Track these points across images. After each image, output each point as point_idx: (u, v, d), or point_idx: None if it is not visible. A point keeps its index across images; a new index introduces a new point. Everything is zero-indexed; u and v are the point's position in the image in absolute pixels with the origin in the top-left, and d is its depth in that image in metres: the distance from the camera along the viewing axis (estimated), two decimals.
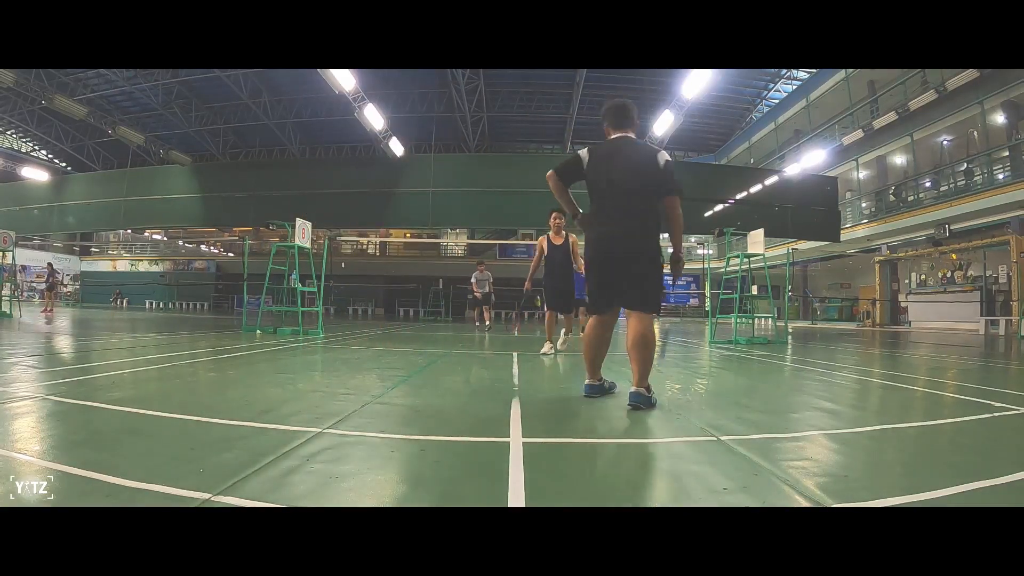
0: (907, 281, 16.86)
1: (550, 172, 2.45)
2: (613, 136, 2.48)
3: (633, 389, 2.24)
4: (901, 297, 16.75)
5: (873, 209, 17.03)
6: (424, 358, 4.31)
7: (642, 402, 2.22)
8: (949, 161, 14.67)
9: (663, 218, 2.41)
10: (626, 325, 2.39)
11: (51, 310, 12.46)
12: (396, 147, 15.32)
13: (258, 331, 7.13)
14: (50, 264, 14.71)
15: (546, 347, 4.79)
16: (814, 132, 18.18)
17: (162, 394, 2.40)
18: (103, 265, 30.52)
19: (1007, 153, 12.68)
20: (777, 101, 21.18)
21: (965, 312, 13.20)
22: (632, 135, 2.48)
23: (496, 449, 1.57)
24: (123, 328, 7.84)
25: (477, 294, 10.51)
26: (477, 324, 10.78)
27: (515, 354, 4.75)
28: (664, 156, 2.39)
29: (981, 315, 12.69)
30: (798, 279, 22.19)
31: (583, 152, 2.44)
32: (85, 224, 19.38)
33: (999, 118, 13.05)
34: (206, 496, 1.11)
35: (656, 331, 2.34)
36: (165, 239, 29.28)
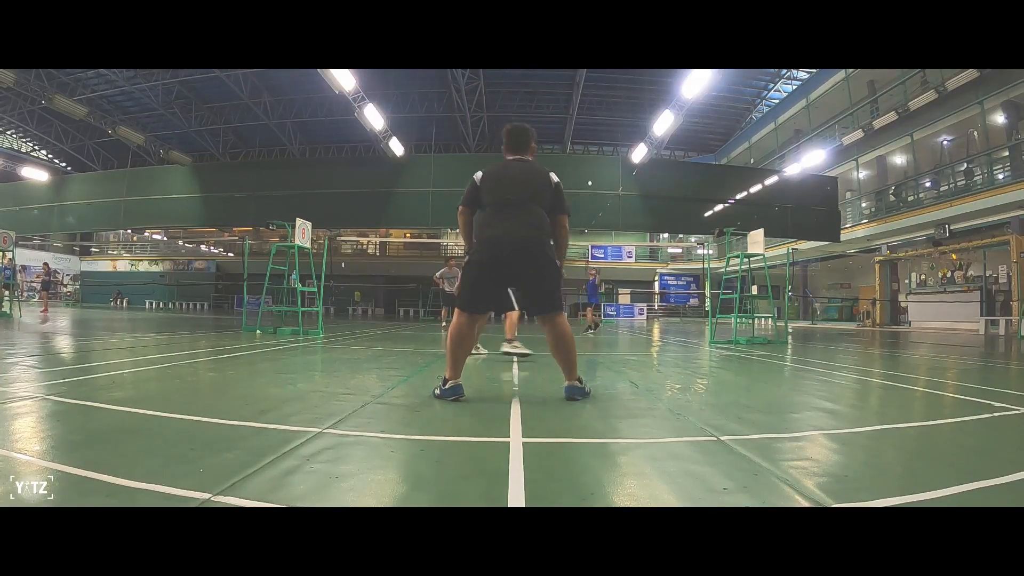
0: (907, 281, 16.86)
1: (460, 208, 2.52)
2: (509, 157, 2.58)
3: (567, 384, 2.41)
4: (901, 297, 16.75)
5: (873, 209, 17.03)
6: (424, 358, 4.31)
7: (576, 394, 2.39)
8: (949, 161, 14.67)
9: (551, 234, 2.47)
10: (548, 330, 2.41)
11: (47, 310, 12.47)
12: (396, 147, 15.31)
13: (258, 331, 7.13)
14: (46, 264, 14.69)
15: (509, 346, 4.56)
16: (814, 132, 18.18)
17: (162, 394, 2.40)
18: (103, 265, 30.53)
19: (1007, 153, 12.69)
20: (777, 101, 21.20)
21: (965, 312, 13.20)
22: (528, 158, 2.59)
23: (496, 449, 1.57)
24: (123, 328, 7.84)
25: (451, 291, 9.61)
26: (444, 325, 10.27)
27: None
28: (554, 178, 2.49)
29: (981, 315, 12.69)
30: (798, 279, 22.19)
31: (476, 175, 2.50)
32: (85, 224, 19.40)
33: (999, 118, 13.05)
34: (206, 496, 1.11)
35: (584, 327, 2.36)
36: (165, 239, 29.29)
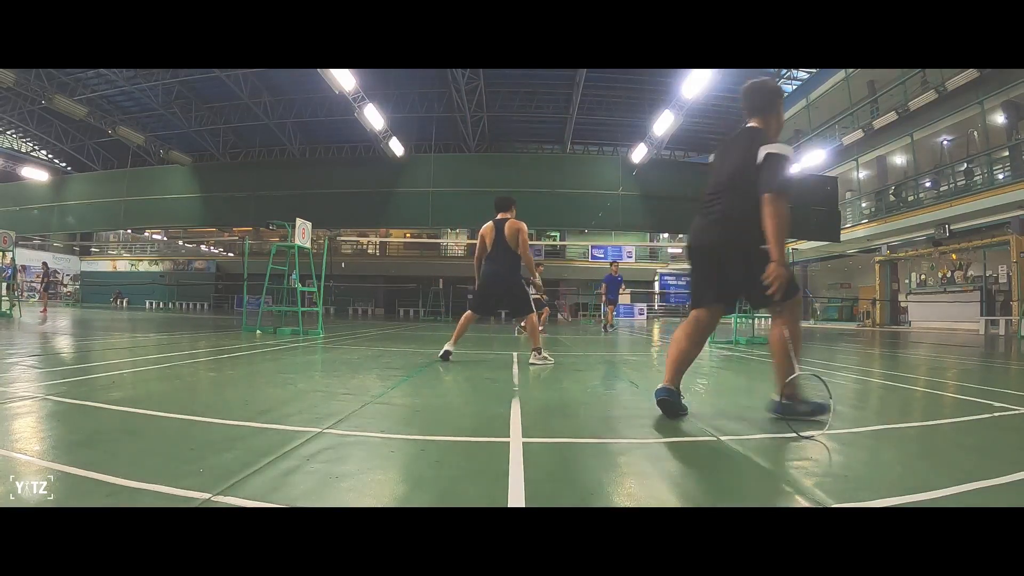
0: (907, 281, 16.86)
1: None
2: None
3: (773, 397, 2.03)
4: (901, 297, 16.75)
5: (873, 209, 17.03)
6: (424, 358, 4.30)
7: (776, 410, 1.96)
8: (949, 161, 14.67)
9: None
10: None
11: (46, 310, 12.46)
12: (396, 147, 15.31)
13: (258, 331, 7.13)
14: (45, 264, 14.66)
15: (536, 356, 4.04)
16: (814, 132, 18.18)
17: (162, 394, 2.40)
18: (103, 265, 30.53)
19: (1007, 153, 12.69)
20: None
21: (965, 312, 13.20)
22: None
23: (496, 449, 1.57)
24: (123, 328, 7.84)
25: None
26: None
27: (515, 354, 4.75)
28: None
29: (981, 315, 12.69)
30: (798, 279, 22.14)
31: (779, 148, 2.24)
32: (85, 224, 19.39)
33: (999, 118, 13.05)
34: (206, 496, 1.11)
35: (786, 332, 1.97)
36: (165, 239, 29.28)
